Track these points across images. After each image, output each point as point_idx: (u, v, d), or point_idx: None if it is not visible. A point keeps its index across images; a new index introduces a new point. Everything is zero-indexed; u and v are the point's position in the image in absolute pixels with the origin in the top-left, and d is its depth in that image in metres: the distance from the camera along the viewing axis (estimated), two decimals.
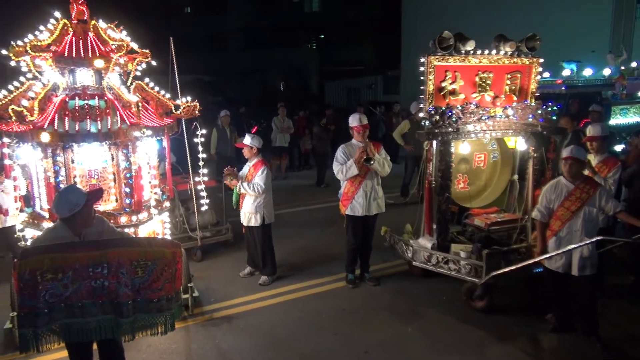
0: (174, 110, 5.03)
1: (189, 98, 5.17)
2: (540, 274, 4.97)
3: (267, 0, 32.85)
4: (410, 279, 5.92)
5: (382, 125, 13.92)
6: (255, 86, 30.33)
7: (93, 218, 3.43)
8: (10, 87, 4.57)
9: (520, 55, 5.58)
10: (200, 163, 5.81)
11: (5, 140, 4.51)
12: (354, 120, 5.65)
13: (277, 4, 33.53)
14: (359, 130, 5.60)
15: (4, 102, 4.43)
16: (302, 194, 10.65)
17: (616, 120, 10.21)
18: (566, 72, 10.71)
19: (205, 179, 5.92)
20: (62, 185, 4.42)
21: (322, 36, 34.93)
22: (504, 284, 5.22)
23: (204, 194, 5.96)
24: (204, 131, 5.85)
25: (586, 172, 4.85)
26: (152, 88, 4.99)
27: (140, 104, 4.58)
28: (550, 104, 5.60)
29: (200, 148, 5.82)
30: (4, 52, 4.50)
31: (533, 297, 5.34)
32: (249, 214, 5.82)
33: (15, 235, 5.02)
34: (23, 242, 4.84)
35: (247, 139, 5.83)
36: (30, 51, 4.34)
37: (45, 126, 4.29)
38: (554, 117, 5.68)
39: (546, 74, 9.92)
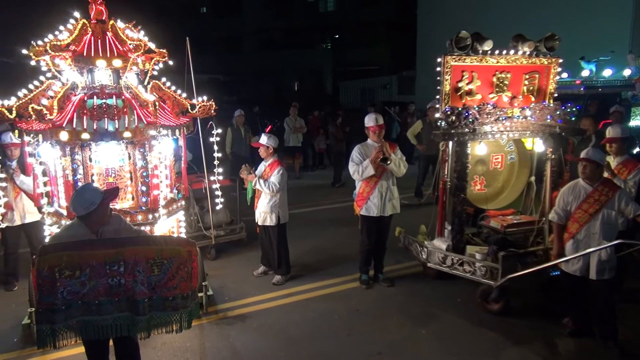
0: (189, 110, 5.07)
1: (204, 97, 5.20)
2: (557, 277, 4.90)
3: (281, 1, 32.91)
4: (424, 281, 5.89)
5: (397, 126, 13.87)
6: (269, 86, 30.48)
7: (109, 216, 3.47)
8: (31, 86, 4.63)
9: (539, 55, 5.51)
10: (215, 162, 5.84)
11: (26, 138, 4.58)
12: (369, 120, 5.63)
13: (292, 4, 33.57)
14: (375, 130, 5.58)
15: (24, 101, 4.49)
16: (316, 194, 10.66)
17: (636, 122, 10.02)
18: (585, 73, 10.54)
19: (220, 178, 5.95)
20: (80, 183, 4.48)
21: (337, 36, 34.90)
22: (520, 286, 5.16)
23: (218, 193, 5.99)
24: (219, 130, 5.88)
25: (605, 174, 4.77)
26: (169, 87, 5.03)
27: (157, 103, 4.61)
28: (569, 105, 5.52)
29: (215, 147, 5.86)
30: (24, 51, 4.57)
31: (549, 300, 5.27)
32: (264, 213, 5.84)
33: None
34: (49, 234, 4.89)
35: (264, 139, 5.85)
36: (50, 51, 4.39)
37: (64, 125, 4.34)
38: (573, 118, 5.59)
39: (564, 75, 9.78)
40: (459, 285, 5.51)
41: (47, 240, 4.74)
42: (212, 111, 5.20)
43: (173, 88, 5.06)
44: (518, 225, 5.57)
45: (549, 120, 5.36)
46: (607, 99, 9.46)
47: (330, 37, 35.25)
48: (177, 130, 4.83)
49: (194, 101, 5.13)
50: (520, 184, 6.08)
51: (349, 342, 4.68)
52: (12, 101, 4.49)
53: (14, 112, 4.43)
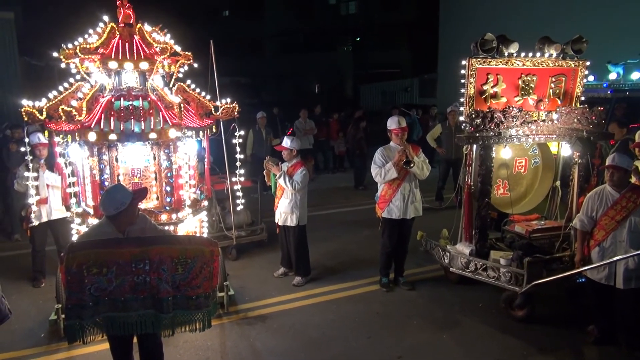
0: (213, 112, 5.12)
1: (228, 99, 5.26)
2: (583, 284, 4.81)
3: (303, 4, 33.02)
4: (445, 285, 5.83)
5: (420, 128, 13.80)
6: (290, 89, 30.57)
7: (137, 216, 3.53)
8: (60, 88, 4.74)
9: (566, 58, 5.42)
10: (237, 163, 5.90)
11: (56, 139, 4.69)
12: (392, 123, 5.61)
13: (313, 7, 33.66)
14: (398, 132, 5.56)
15: (54, 102, 4.60)
16: (337, 196, 10.66)
17: None
18: (612, 76, 10.30)
19: (242, 179, 6.00)
20: (107, 183, 4.58)
21: (358, 39, 34.86)
22: (544, 292, 5.08)
23: (239, 194, 6.05)
24: (242, 132, 5.94)
25: (633, 179, 4.66)
26: (193, 89, 5.09)
27: (182, 105, 4.68)
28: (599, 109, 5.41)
29: (237, 149, 5.92)
30: (54, 54, 4.69)
31: (574, 307, 5.17)
32: (284, 213, 5.87)
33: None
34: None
35: (286, 142, 5.89)
36: (79, 53, 4.50)
37: (92, 126, 4.44)
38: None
39: (591, 77, 9.58)
40: (481, 290, 5.45)
41: (74, 238, 4.86)
42: (236, 113, 5.26)
43: (197, 90, 5.13)
44: (543, 231, 5.48)
45: (576, 124, 5.26)
46: (635, 103, 9.23)
47: (351, 40, 35.23)
48: (201, 132, 4.89)
49: (218, 103, 5.19)
50: (544, 188, 5.99)
51: (369, 345, 4.66)
52: (43, 102, 4.60)
53: (44, 113, 4.54)
